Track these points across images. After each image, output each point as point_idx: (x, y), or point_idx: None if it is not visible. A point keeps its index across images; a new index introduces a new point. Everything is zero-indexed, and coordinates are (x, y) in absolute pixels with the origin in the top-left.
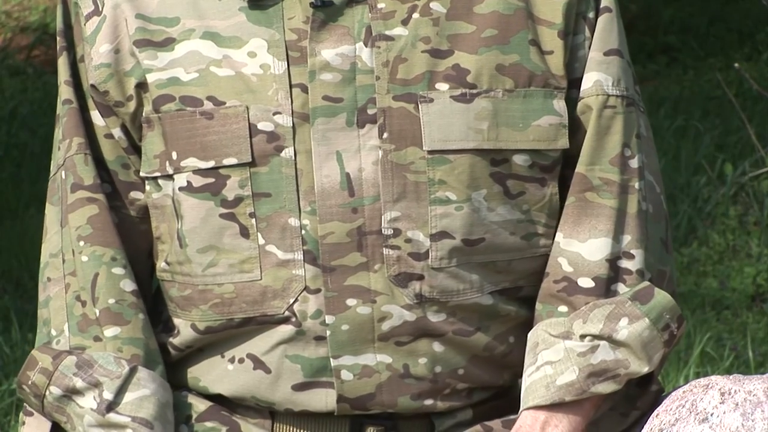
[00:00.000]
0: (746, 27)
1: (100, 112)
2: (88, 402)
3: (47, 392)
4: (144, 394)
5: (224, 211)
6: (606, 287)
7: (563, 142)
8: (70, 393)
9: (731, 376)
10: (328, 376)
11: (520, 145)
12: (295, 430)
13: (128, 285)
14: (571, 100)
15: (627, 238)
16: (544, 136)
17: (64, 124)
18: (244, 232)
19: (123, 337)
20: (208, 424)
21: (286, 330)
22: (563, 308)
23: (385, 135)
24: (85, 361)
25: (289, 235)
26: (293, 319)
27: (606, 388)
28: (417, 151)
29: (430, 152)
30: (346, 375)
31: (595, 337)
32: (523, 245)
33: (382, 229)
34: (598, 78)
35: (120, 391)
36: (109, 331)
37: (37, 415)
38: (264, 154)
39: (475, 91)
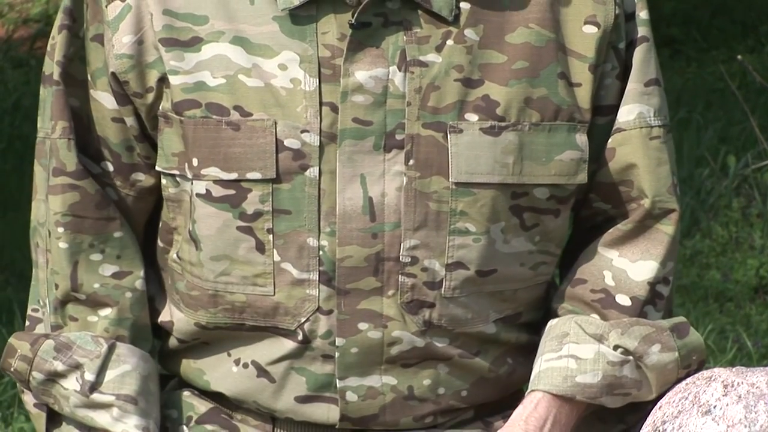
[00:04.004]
0: (749, 19)
1: (115, 98)
2: (71, 384)
3: (30, 377)
4: (125, 370)
5: (242, 224)
6: (641, 308)
7: (582, 177)
8: (53, 376)
9: (734, 369)
10: (332, 391)
11: (541, 180)
12: None
13: (107, 269)
14: (597, 127)
15: (670, 265)
16: (565, 171)
17: (51, 104)
18: (260, 247)
19: (111, 318)
20: (208, 427)
21: (294, 345)
22: (596, 316)
23: (411, 162)
24: (63, 344)
25: (307, 254)
26: (302, 337)
27: (612, 402)
28: (442, 181)
29: (456, 183)
30: (350, 396)
31: (627, 351)
32: (530, 275)
33: (400, 257)
34: (641, 110)
35: (101, 370)
36: (102, 312)
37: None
38: (288, 172)
39: (503, 124)
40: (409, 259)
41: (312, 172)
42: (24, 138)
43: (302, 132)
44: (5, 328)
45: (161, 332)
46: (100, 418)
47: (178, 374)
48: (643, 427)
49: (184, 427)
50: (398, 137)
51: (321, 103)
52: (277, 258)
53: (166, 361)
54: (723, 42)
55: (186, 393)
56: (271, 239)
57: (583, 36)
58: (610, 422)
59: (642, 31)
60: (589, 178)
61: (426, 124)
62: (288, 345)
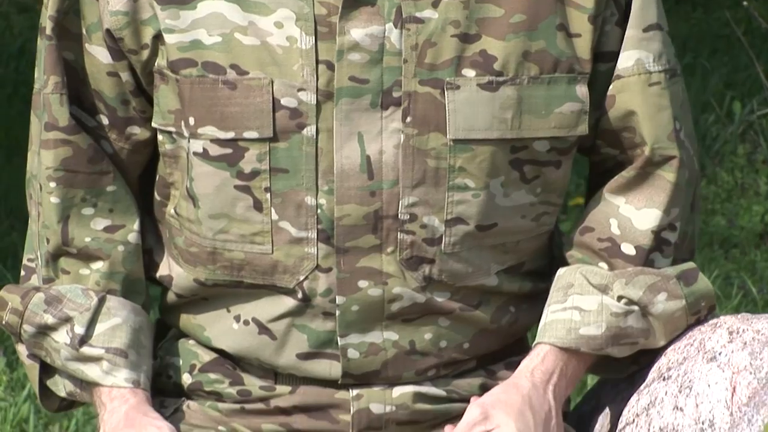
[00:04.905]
0: None
1: (110, 53)
2: (61, 337)
3: (22, 330)
4: (115, 323)
5: (239, 183)
6: (646, 257)
7: (583, 128)
8: (44, 329)
9: (739, 315)
10: (333, 348)
11: (541, 133)
12: (298, 386)
13: (99, 223)
14: (599, 74)
15: (675, 212)
16: (565, 123)
17: (44, 59)
18: (258, 206)
19: (103, 271)
20: (212, 375)
21: (294, 303)
22: (603, 265)
23: (409, 119)
24: (54, 297)
25: (305, 213)
26: (302, 295)
27: (619, 352)
28: (440, 138)
29: (454, 140)
30: (352, 353)
31: (631, 301)
32: (532, 226)
33: (399, 214)
34: (639, 57)
35: (91, 324)
36: (94, 265)
37: None
38: (285, 130)
39: (501, 79)
40: (408, 216)
41: (309, 130)
42: (29, 83)
43: (299, 90)
44: (10, 273)
45: (161, 285)
46: (90, 371)
47: (179, 328)
48: (648, 374)
49: (187, 375)
50: (395, 95)
51: (317, 62)
52: (275, 216)
53: (167, 315)
54: None
55: (190, 342)
56: (269, 198)
57: None
58: (623, 362)
59: None
60: (594, 125)
61: (423, 80)
62: (288, 303)
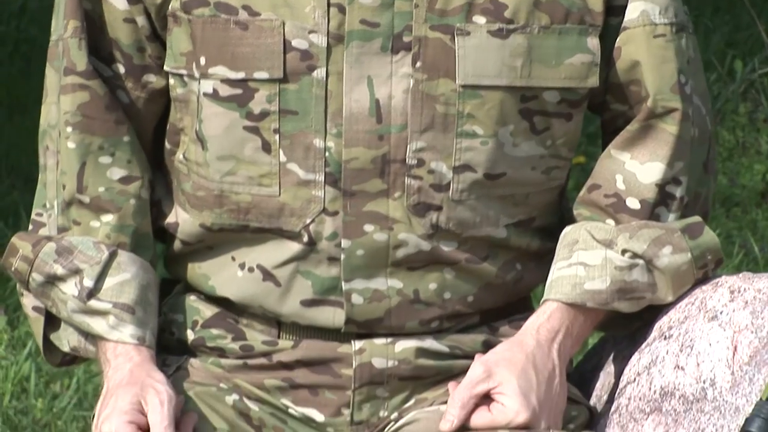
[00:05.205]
0: None
1: None
2: (69, 288)
3: (30, 279)
4: (124, 278)
5: (248, 123)
6: (651, 210)
7: (593, 81)
8: (52, 279)
9: (741, 275)
10: (337, 295)
11: (551, 83)
12: (300, 339)
13: (115, 173)
14: (611, 28)
15: (679, 165)
16: (576, 74)
17: (64, 5)
18: (266, 147)
19: (113, 224)
20: (214, 331)
21: (299, 247)
22: (610, 221)
23: (419, 64)
24: (65, 248)
25: (313, 155)
26: (308, 239)
27: (627, 306)
28: (449, 83)
29: (463, 86)
30: (356, 299)
31: (636, 255)
32: (542, 179)
33: (407, 159)
34: (645, 8)
35: (100, 277)
36: (104, 218)
37: None
38: (296, 72)
39: (511, 27)
40: (416, 161)
41: (319, 73)
42: (30, 41)
43: (310, 33)
44: (11, 231)
45: (166, 237)
46: (96, 324)
47: (184, 279)
48: (649, 333)
49: (190, 331)
50: (405, 39)
51: (329, 4)
52: (283, 158)
53: (171, 266)
54: None
55: (192, 297)
56: (278, 139)
57: None
58: (631, 318)
59: None
60: (604, 79)
61: (433, 26)
62: (293, 247)
